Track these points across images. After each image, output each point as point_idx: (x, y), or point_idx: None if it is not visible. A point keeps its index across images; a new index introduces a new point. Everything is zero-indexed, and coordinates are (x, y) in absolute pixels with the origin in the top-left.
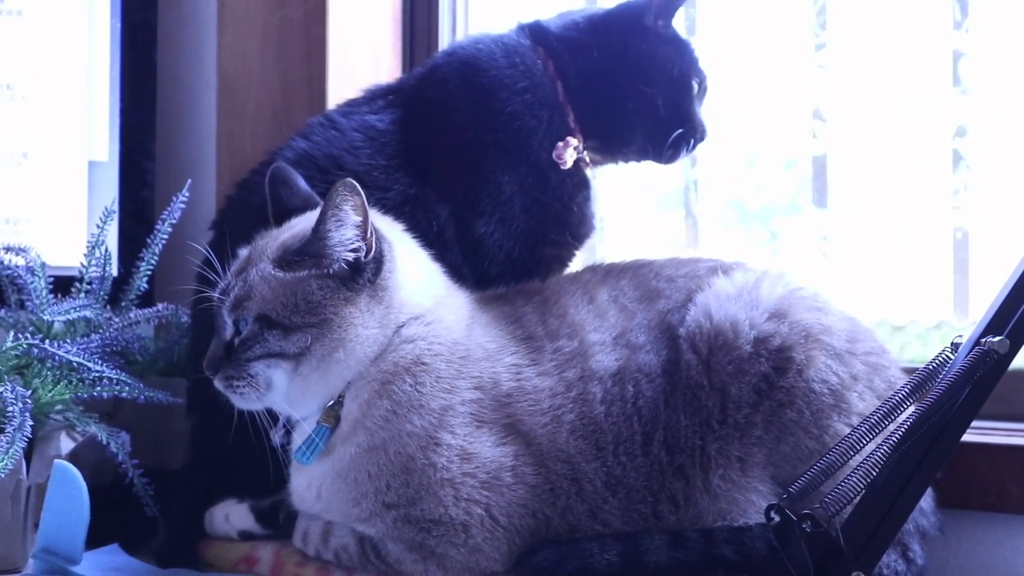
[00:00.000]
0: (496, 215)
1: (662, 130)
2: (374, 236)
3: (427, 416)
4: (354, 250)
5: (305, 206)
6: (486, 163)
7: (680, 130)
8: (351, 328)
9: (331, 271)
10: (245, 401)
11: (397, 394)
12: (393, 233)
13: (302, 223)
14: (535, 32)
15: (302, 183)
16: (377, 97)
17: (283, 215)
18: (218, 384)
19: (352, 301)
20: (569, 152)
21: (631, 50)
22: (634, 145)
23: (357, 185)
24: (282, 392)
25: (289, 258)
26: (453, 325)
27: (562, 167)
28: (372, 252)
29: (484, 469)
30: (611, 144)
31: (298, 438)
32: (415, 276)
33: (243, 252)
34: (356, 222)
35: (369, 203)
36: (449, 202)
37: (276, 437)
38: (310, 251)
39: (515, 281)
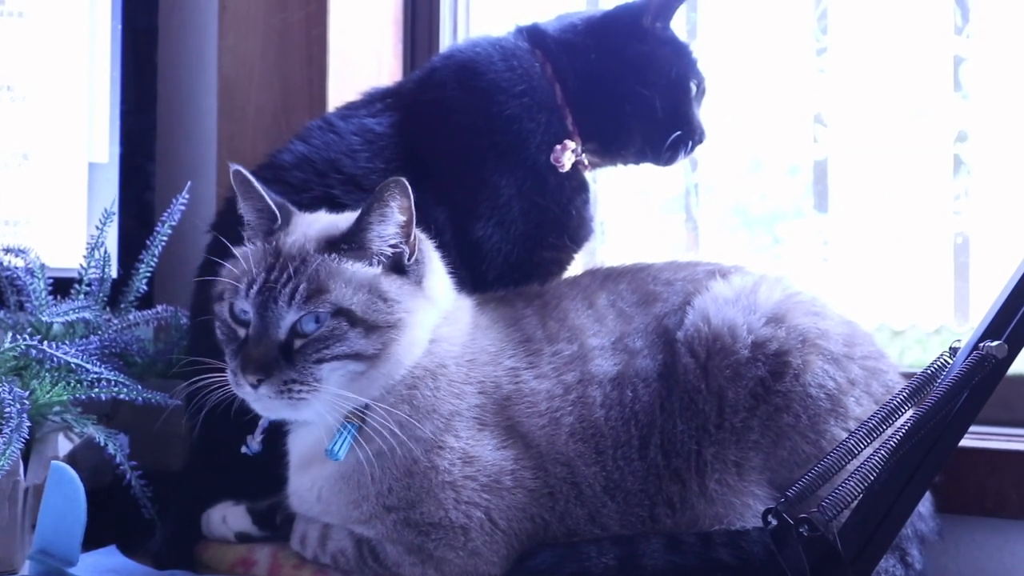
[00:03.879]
0: (494, 218)
1: (660, 132)
2: (416, 237)
3: (437, 421)
4: (394, 245)
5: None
6: (484, 166)
7: (679, 132)
8: (415, 329)
9: (404, 269)
10: (295, 410)
11: (418, 399)
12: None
13: (341, 219)
14: (532, 35)
15: None
16: (375, 100)
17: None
18: (263, 390)
19: (416, 301)
20: (567, 155)
21: (629, 52)
22: (633, 147)
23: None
24: (329, 397)
25: (355, 251)
26: (463, 328)
27: (560, 170)
28: (415, 254)
29: (485, 472)
30: (610, 146)
31: (296, 441)
32: (441, 279)
33: (264, 245)
34: (400, 221)
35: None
36: (447, 205)
37: (253, 445)
38: (361, 243)
39: (513, 284)
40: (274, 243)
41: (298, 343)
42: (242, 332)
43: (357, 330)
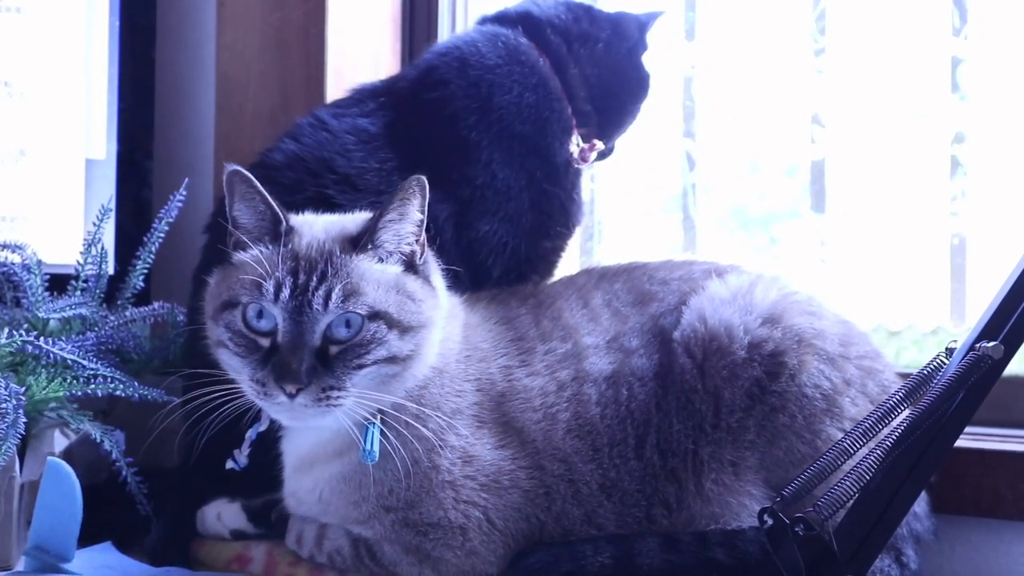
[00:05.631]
0: (500, 212)
1: (631, 122)
2: (425, 238)
3: (440, 419)
4: (409, 244)
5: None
6: (493, 161)
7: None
8: (438, 328)
9: (416, 268)
10: (327, 416)
11: (426, 398)
12: None
13: (350, 218)
14: (526, 25)
15: None
16: (366, 98)
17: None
18: (301, 400)
19: (433, 299)
20: (593, 154)
21: (635, 53)
22: (617, 136)
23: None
24: (360, 400)
25: (376, 250)
26: (459, 326)
27: (579, 166)
28: (423, 253)
29: (484, 472)
30: (599, 136)
31: (292, 444)
32: (440, 277)
33: (275, 248)
34: (417, 220)
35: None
36: (449, 203)
37: (240, 459)
38: (379, 242)
39: (518, 278)
40: (289, 246)
41: (334, 349)
42: (264, 342)
43: (394, 332)
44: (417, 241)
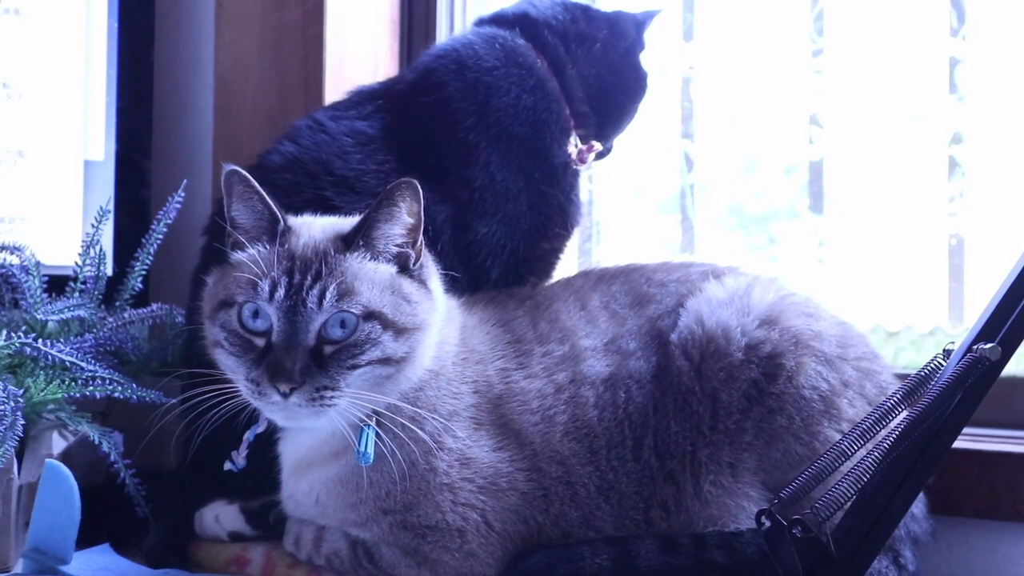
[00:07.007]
0: (499, 214)
1: (628, 123)
2: (421, 241)
3: (436, 422)
4: (399, 246)
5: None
6: (491, 162)
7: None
8: (433, 331)
9: (411, 271)
10: (321, 416)
11: (422, 400)
12: None
13: (348, 221)
14: (523, 26)
15: None
16: (364, 101)
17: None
18: (295, 400)
19: (429, 302)
20: (591, 156)
21: (633, 52)
22: (616, 135)
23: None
24: (354, 401)
25: (368, 251)
26: (456, 328)
27: (578, 168)
28: (420, 258)
29: (482, 474)
30: (598, 136)
31: (290, 446)
32: (438, 280)
33: (272, 248)
34: (408, 223)
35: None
36: (447, 205)
37: (239, 461)
38: (369, 242)
39: (517, 280)
40: (286, 246)
41: (328, 349)
42: (259, 341)
43: (389, 333)
44: (412, 245)
